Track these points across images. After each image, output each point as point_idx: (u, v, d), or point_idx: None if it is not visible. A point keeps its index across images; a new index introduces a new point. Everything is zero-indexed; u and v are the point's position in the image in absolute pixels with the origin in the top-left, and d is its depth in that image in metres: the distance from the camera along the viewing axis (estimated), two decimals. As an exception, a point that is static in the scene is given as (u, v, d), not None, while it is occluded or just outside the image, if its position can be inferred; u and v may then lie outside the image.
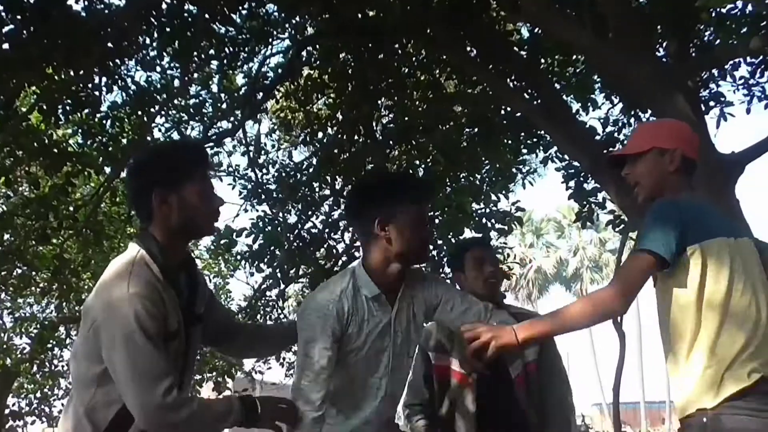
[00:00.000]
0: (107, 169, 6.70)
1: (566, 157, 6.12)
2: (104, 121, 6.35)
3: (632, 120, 6.10)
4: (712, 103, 5.79)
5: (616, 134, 6.01)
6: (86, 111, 6.06)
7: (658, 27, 5.11)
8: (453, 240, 6.87)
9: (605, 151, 5.33)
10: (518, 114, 6.01)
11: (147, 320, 1.86)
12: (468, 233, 6.93)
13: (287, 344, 2.49)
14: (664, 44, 5.35)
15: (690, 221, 2.12)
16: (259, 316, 9.39)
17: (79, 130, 6.54)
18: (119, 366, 1.86)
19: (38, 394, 10.46)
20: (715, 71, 5.83)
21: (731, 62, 5.70)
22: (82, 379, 1.95)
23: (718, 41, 5.55)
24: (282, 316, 9.93)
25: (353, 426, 2.22)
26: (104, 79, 5.86)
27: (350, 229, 7.22)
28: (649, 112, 5.82)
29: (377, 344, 2.23)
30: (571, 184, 6.11)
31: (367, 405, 2.26)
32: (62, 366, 10.72)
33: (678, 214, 2.12)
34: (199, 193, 2.05)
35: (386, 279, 2.22)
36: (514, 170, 7.05)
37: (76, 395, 1.99)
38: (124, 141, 6.60)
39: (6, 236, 6.72)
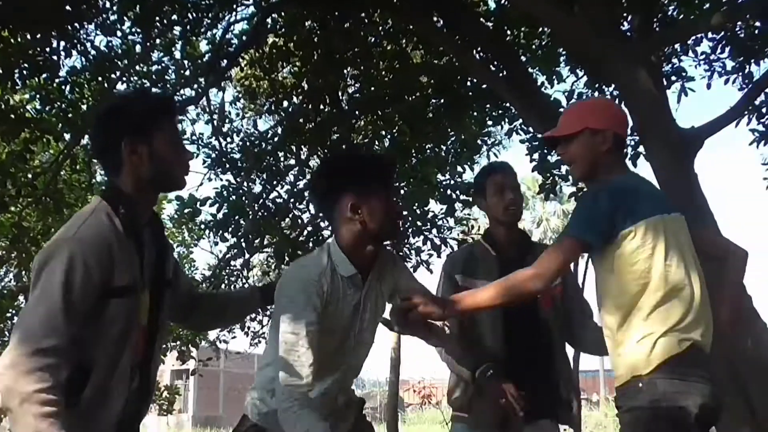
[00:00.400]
0: (67, 136, 6.57)
1: (531, 129, 6.16)
2: (63, 87, 6.20)
3: (596, 93, 6.17)
4: (673, 78, 5.89)
5: (580, 107, 6.06)
6: (44, 76, 5.92)
7: (623, 1, 5.15)
8: (418, 211, 6.92)
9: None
10: (484, 86, 6.02)
11: (78, 270, 1.77)
12: (433, 204, 6.98)
13: (248, 312, 2.47)
14: (629, 18, 5.39)
15: (621, 204, 2.22)
16: (223, 286, 9.38)
17: (37, 96, 6.38)
18: (29, 300, 1.78)
19: (-2, 364, 10.29)
20: (677, 46, 5.91)
21: (693, 38, 5.78)
22: None
23: (681, 16, 5.62)
24: (246, 285, 9.94)
25: (314, 394, 2.21)
26: (63, 43, 5.71)
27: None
28: (613, 86, 5.90)
29: (347, 322, 2.26)
30: (536, 156, 6.17)
31: (330, 376, 2.27)
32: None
33: (608, 200, 2.23)
34: (171, 143, 1.99)
35: (361, 259, 2.24)
36: (479, 142, 7.08)
37: None
38: (84, 107, 6.47)
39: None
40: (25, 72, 5.66)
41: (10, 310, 9.42)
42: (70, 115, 6.23)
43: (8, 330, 10.10)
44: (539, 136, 5.97)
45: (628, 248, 2.20)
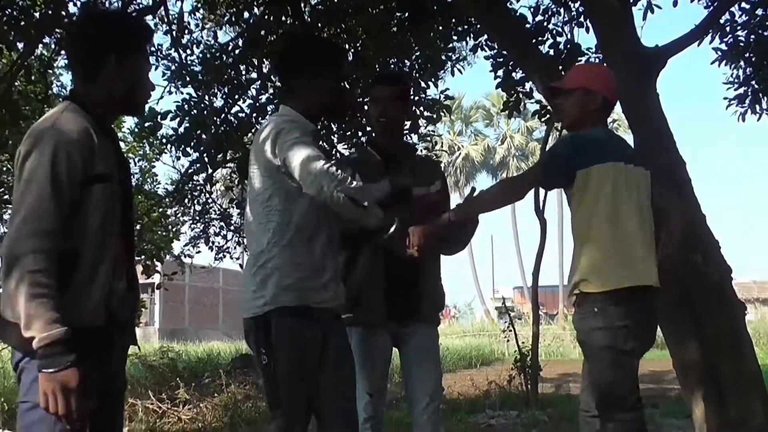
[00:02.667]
0: (20, 46, 6.33)
1: (495, 45, 6.11)
2: (13, -7, 5.94)
3: (561, 10, 6.10)
4: (640, -6, 5.84)
5: (545, 23, 6.01)
6: (-7, -19, 5.66)
7: None
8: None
9: (534, 41, 5.36)
10: (449, 0, 5.92)
11: (63, 159, 1.87)
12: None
13: None
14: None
15: (586, 150, 2.74)
16: (186, 201, 9.34)
17: (-14, 2, 6.10)
18: (19, 190, 1.87)
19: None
20: (645, -39, 5.84)
21: (661, -48, 5.72)
22: None
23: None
24: (210, 200, 9.91)
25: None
26: (10, -55, 5.43)
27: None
28: (579, 1, 5.84)
29: None
30: (500, 73, 6.14)
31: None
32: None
33: (568, 148, 2.79)
34: (145, 69, 2.10)
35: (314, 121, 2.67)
36: (443, 57, 6.99)
37: None
38: (37, 15, 6.21)
39: None
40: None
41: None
42: (22, 23, 5.99)
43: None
44: (504, 52, 5.93)
45: (584, 187, 2.69)
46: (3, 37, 6.00)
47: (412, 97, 3.29)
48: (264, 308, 2.47)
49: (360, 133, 7.12)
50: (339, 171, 2.36)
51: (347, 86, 2.76)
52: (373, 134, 3.36)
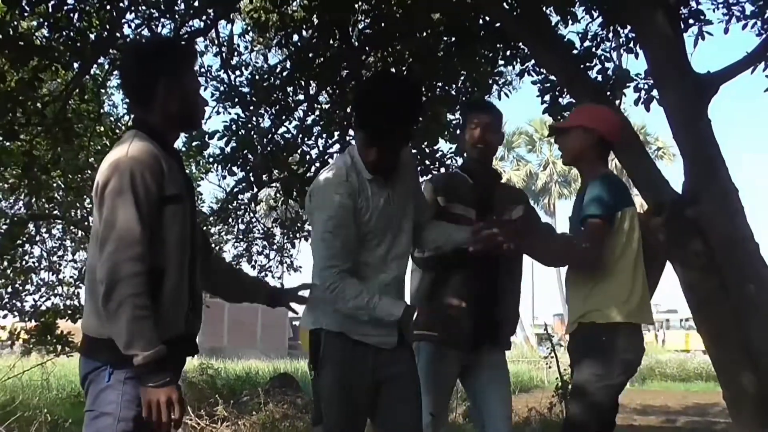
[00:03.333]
0: (75, 65, 6.52)
1: (543, 70, 6.09)
2: (71, 15, 6.13)
3: (611, 35, 6.06)
4: (691, 21, 5.77)
5: (593, 49, 5.98)
6: (52, 2, 5.84)
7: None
8: (427, 150, 6.90)
9: (582, 66, 5.33)
10: (497, 24, 5.92)
11: (140, 184, 1.99)
12: (442, 143, 6.97)
13: (248, 299, 2.68)
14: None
15: (621, 193, 2.94)
16: (231, 219, 9.45)
17: (45, 23, 6.31)
18: (104, 218, 1.98)
19: (9, 289, 10.47)
20: (696, -12, 5.78)
21: (712, -21, 5.66)
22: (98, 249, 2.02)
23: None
24: (254, 219, 10.01)
25: (377, 284, 2.54)
26: (70, -30, 5.62)
27: (323, 135, 7.21)
28: (629, 27, 5.80)
29: (381, 217, 2.55)
30: (547, 98, 6.10)
31: (383, 269, 2.58)
32: (33, 262, 10.76)
33: (611, 189, 2.89)
34: (196, 87, 2.25)
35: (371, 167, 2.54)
36: (490, 81, 6.98)
37: (95, 269, 2.03)
38: (93, 36, 6.41)
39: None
40: (32, -1, 5.60)
41: (21, 238, 9.55)
42: (78, 44, 6.18)
43: (19, 257, 10.26)
44: (551, 77, 5.91)
45: (618, 228, 2.86)
46: (60, 57, 6.19)
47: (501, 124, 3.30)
48: (313, 324, 2.54)
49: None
50: (340, 274, 2.43)
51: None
52: (466, 158, 3.31)
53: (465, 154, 3.32)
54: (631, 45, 5.88)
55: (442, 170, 7.15)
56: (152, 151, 2.05)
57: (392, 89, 2.53)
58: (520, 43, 6.04)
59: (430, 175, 7.15)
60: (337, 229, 2.44)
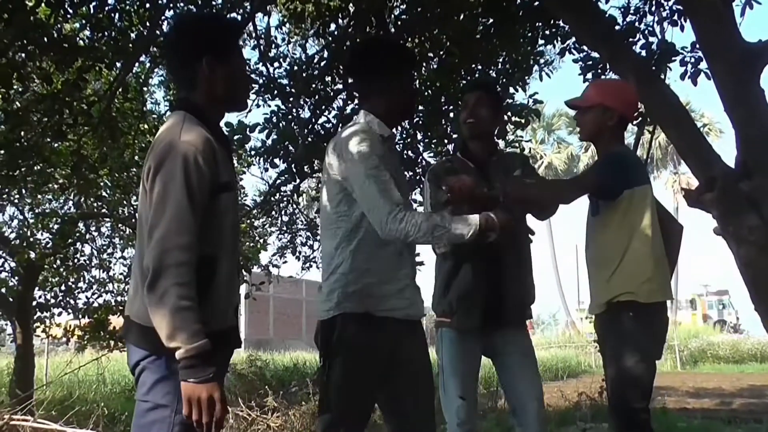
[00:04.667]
0: (118, 64, 6.63)
1: (584, 48, 5.97)
2: (112, 15, 6.22)
3: (653, 8, 5.92)
4: (738, -10, 5.59)
5: (637, 23, 5.84)
6: (93, 4, 5.94)
7: None
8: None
9: (626, 41, 5.21)
10: (536, 2, 5.83)
11: (193, 171, 1.90)
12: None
13: None
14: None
15: (635, 170, 3.00)
16: (274, 212, 9.53)
17: (88, 24, 6.42)
18: (154, 203, 1.90)
19: (62, 287, 10.76)
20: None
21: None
22: (147, 234, 1.95)
23: None
24: (297, 211, 10.07)
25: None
26: (109, -30, 5.70)
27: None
28: (672, 0, 5.65)
29: (399, 177, 2.58)
30: (589, 76, 5.99)
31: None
32: (84, 260, 11.02)
33: (624, 165, 2.97)
34: (241, 65, 2.15)
35: (391, 126, 2.62)
36: (530, 61, 6.88)
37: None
38: (133, 35, 6.49)
39: (23, 133, 6.73)
40: (74, 0, 5.69)
41: (72, 236, 9.79)
42: (120, 43, 6.27)
43: (70, 255, 10.52)
44: (593, 54, 5.80)
45: (625, 206, 2.91)
46: (103, 57, 6.30)
47: (499, 102, 3.33)
48: (329, 313, 2.45)
49: (446, 141, 7.09)
50: (411, 216, 2.35)
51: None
52: (465, 142, 3.33)
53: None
54: (675, 18, 5.73)
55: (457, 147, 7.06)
56: (205, 136, 1.97)
57: (388, 43, 2.75)
58: (560, 21, 5.93)
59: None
60: (381, 167, 2.39)
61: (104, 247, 11.58)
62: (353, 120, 2.62)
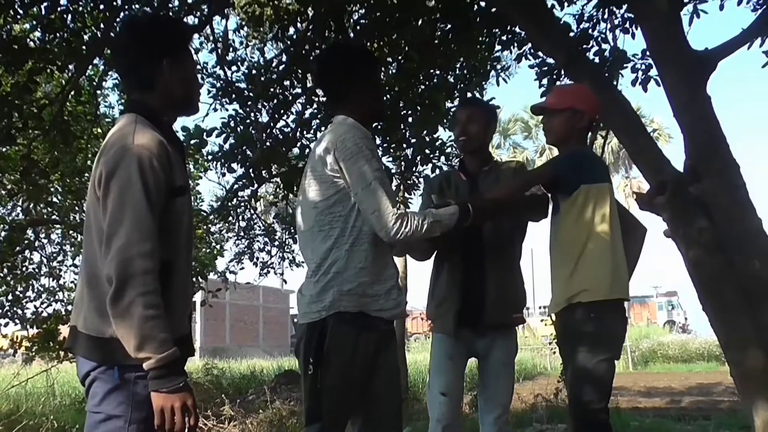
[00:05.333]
0: (71, 66, 6.50)
1: (540, 53, 6.08)
2: (65, 16, 6.10)
3: (606, 16, 6.05)
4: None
5: (590, 30, 5.97)
6: (45, 5, 5.82)
7: None
8: (426, 138, 6.89)
9: (580, 48, 5.32)
10: (493, 9, 5.91)
11: (150, 175, 1.85)
12: (441, 131, 6.97)
13: None
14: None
15: (591, 168, 3.04)
16: (231, 217, 9.45)
17: (39, 26, 6.28)
18: (110, 210, 1.84)
19: (10, 297, 10.44)
20: (690, -34, 5.76)
21: (706, -43, 5.64)
22: (98, 241, 1.89)
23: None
24: (254, 216, 10.00)
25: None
26: (62, -30, 5.59)
27: (322, 128, 7.19)
28: (624, 7, 5.79)
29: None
30: (545, 82, 6.10)
31: None
32: (33, 268, 10.73)
33: (582, 161, 3.02)
34: (194, 68, 2.14)
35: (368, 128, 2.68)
36: (488, 67, 6.97)
37: (95, 263, 1.93)
38: (87, 37, 6.37)
39: (-31, 137, 6.54)
40: (25, 0, 5.57)
41: (20, 244, 9.53)
42: (73, 45, 6.15)
43: (19, 263, 10.23)
44: (549, 60, 5.90)
45: (581, 203, 2.95)
46: (55, 59, 6.16)
47: (490, 116, 3.46)
48: (321, 314, 2.44)
49: (404, 146, 7.14)
50: (411, 217, 2.45)
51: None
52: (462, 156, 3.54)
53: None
54: (627, 25, 5.87)
55: (442, 158, 7.16)
56: (159, 139, 1.92)
57: (355, 47, 3.00)
58: (517, 27, 6.03)
59: (430, 164, 7.15)
60: (382, 169, 2.51)
61: (54, 255, 11.30)
62: (333, 123, 2.65)
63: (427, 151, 7.05)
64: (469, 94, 6.83)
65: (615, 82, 5.62)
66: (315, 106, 7.00)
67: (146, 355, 1.77)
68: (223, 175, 7.45)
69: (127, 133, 1.91)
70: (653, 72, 5.52)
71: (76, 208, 9.81)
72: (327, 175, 2.48)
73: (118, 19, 6.14)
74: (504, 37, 6.31)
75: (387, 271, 2.55)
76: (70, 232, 10.56)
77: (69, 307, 10.32)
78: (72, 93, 6.66)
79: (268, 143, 6.86)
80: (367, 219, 2.44)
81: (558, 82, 6.20)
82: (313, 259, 2.52)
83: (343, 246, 2.47)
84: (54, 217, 9.98)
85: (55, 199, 9.53)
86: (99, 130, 8.23)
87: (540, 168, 3.06)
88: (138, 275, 1.77)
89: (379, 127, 6.81)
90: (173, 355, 1.80)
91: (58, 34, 6.14)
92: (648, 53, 5.30)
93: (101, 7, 6.08)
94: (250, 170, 7.05)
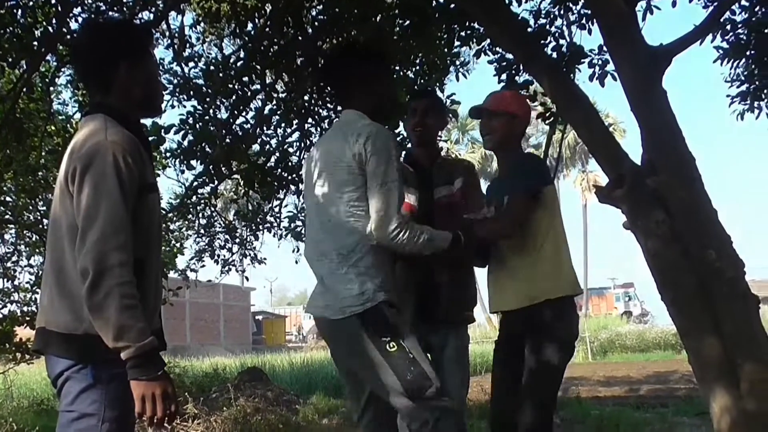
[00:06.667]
0: (23, 63, 6.33)
1: (499, 49, 6.13)
2: (15, 11, 5.94)
3: (562, 12, 6.13)
4: (640, -5, 5.86)
5: (547, 26, 6.04)
6: (-7, 0, 5.67)
7: None
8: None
9: (538, 44, 5.39)
10: (452, 5, 5.94)
11: (124, 170, 1.88)
12: (401, 126, 6.96)
13: None
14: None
15: (546, 171, 3.22)
16: (191, 215, 9.33)
17: (-12, 21, 6.10)
18: (84, 204, 1.86)
19: (-38, 299, 10.18)
20: (644, -37, 5.87)
21: (658, -46, 5.76)
22: (69, 238, 1.91)
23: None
24: (215, 213, 9.88)
25: None
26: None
27: (282, 124, 7.16)
28: (580, 4, 5.87)
29: None
30: (504, 77, 6.15)
31: None
32: (-13, 270, 10.47)
33: (539, 165, 3.22)
34: (155, 69, 2.16)
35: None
36: (447, 62, 7.01)
37: (63, 260, 1.95)
38: (39, 33, 6.22)
39: None
40: (-27, -4, 5.42)
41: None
42: (24, 41, 5.99)
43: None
44: (507, 56, 5.96)
45: (543, 204, 3.06)
46: (5, 56, 6.01)
47: (444, 109, 3.55)
48: (366, 305, 2.52)
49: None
50: (412, 227, 2.56)
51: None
52: (411, 146, 3.57)
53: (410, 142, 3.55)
54: (584, 21, 5.96)
55: (403, 153, 7.15)
56: (130, 136, 1.96)
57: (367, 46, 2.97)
58: (476, 23, 6.07)
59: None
60: (401, 179, 2.58)
61: (8, 255, 11.02)
62: (343, 116, 2.73)
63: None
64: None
65: (572, 77, 5.70)
66: (274, 102, 6.95)
67: (125, 344, 1.80)
68: (182, 172, 7.39)
69: (98, 131, 1.94)
70: (610, 67, 5.62)
71: (30, 207, 9.58)
72: (353, 166, 2.54)
73: (71, 15, 6.02)
74: (463, 33, 6.35)
75: (392, 266, 2.72)
76: (24, 231, 10.30)
77: (26, 308, 10.10)
78: (24, 90, 6.48)
79: (227, 140, 6.79)
80: (369, 214, 2.53)
81: (517, 78, 6.28)
82: (335, 251, 2.58)
83: (370, 241, 2.56)
84: (7, 216, 9.73)
85: (8, 198, 9.28)
86: (52, 128, 8.04)
87: (517, 198, 3.05)
88: (114, 267, 1.81)
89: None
90: (152, 344, 1.84)
91: (8, 30, 5.98)
92: (605, 48, 5.38)
93: (52, 2, 5.93)
94: (210, 167, 6.99)
